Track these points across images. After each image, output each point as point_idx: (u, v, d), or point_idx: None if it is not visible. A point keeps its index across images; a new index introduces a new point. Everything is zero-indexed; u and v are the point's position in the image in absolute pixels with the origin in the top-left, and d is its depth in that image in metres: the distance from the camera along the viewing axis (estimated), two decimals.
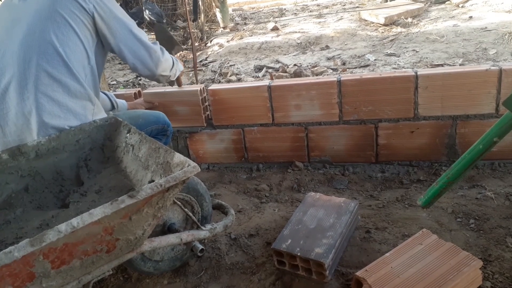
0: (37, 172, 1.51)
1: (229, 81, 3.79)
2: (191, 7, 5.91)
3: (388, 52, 3.84)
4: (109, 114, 1.79)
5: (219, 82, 3.88)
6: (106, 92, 2.16)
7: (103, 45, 1.74)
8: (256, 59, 4.47)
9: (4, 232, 1.34)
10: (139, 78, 4.61)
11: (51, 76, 1.54)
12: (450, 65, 3.27)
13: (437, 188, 1.45)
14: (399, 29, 4.61)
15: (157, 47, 1.82)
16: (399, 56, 3.70)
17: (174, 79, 2.05)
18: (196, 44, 5.43)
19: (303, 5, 7.43)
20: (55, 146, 1.55)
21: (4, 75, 1.55)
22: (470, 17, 4.53)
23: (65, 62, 1.56)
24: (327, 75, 3.49)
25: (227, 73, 3.98)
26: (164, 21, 6.87)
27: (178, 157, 1.27)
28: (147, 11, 6.56)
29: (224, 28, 6.24)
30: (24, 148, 1.48)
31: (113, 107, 2.12)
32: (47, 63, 1.54)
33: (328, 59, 4.00)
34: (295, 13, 6.69)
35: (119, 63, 5.29)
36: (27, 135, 1.54)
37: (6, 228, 1.35)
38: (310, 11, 6.60)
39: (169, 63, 1.90)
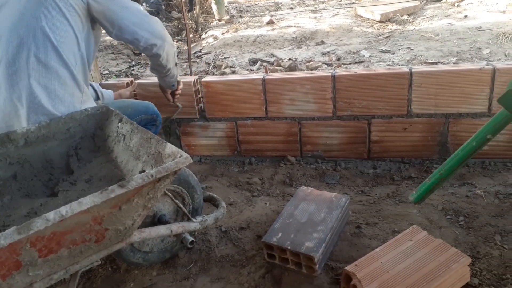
0: (26, 159, 1.49)
1: (223, 74, 3.76)
2: None
3: (383, 49, 3.84)
4: (97, 103, 1.76)
5: (213, 74, 3.86)
6: (92, 83, 2.14)
7: (94, 33, 1.71)
8: (250, 52, 4.45)
9: None
10: (132, 68, 4.56)
11: (41, 61, 1.51)
12: (444, 63, 3.28)
13: (429, 184, 1.46)
14: (394, 26, 4.61)
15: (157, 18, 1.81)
16: (393, 53, 3.70)
17: (174, 71, 2.04)
18: (191, 35, 5.38)
19: None
20: (45, 134, 1.53)
21: None
22: (465, 16, 4.54)
23: (55, 48, 1.53)
24: (322, 70, 3.48)
25: (221, 65, 3.95)
26: (163, 7, 6.86)
27: (170, 147, 1.26)
28: (144, 4, 6.64)
29: (219, 20, 6.20)
30: (13, 135, 1.46)
31: (97, 98, 2.10)
32: (37, 48, 1.51)
33: (323, 54, 3.99)
34: (291, 8, 6.66)
35: (112, 53, 5.23)
36: (15, 122, 1.51)
37: None
38: (306, 6, 6.58)
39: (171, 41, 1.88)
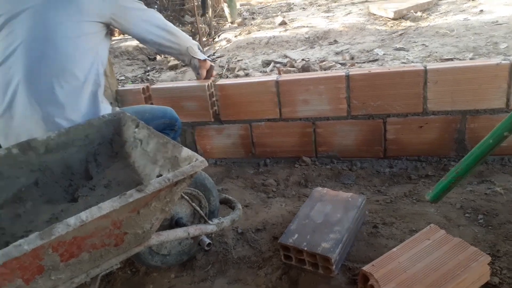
0: (46, 166, 1.53)
1: (236, 76, 3.78)
2: (199, 2, 5.90)
3: (397, 47, 3.80)
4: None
5: (227, 77, 3.87)
6: None
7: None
8: (264, 54, 4.46)
9: (14, 225, 1.36)
10: (147, 73, 4.62)
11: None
12: (460, 60, 3.22)
13: (446, 182, 1.44)
14: (408, 23, 4.56)
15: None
16: (408, 51, 3.65)
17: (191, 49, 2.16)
18: (204, 39, 5.42)
19: None
20: (65, 140, 1.56)
21: None
22: (481, 10, 4.45)
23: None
24: (335, 69, 3.46)
25: (235, 68, 3.97)
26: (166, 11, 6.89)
27: (186, 151, 1.28)
28: None
29: (232, 23, 6.22)
30: (33, 143, 1.50)
31: None
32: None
33: (337, 53, 3.97)
34: (303, 8, 6.64)
35: (127, 59, 5.31)
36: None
37: (16, 222, 1.37)
38: (319, 6, 6.55)
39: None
